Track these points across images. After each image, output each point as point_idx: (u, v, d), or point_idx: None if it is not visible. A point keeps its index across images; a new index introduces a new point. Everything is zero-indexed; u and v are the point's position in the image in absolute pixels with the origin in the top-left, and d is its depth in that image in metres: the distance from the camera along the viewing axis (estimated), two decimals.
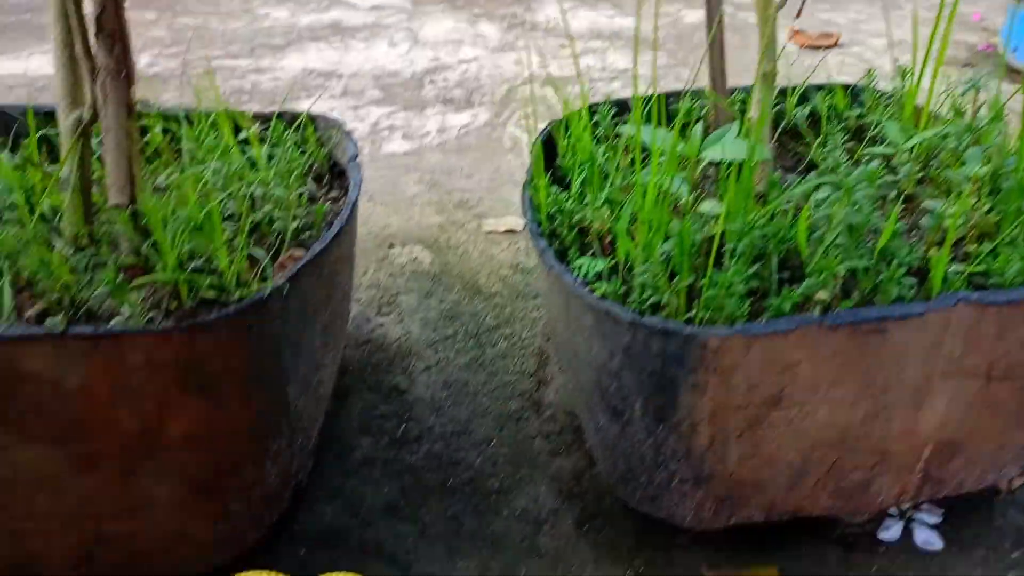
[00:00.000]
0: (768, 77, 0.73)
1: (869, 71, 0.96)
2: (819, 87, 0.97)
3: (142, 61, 1.87)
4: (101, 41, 0.63)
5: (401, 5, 2.39)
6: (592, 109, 0.91)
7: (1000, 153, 0.69)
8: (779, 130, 0.94)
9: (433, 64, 1.89)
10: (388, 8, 2.36)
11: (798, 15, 0.81)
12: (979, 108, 0.83)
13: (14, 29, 2.11)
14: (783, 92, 0.97)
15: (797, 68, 1.83)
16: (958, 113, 0.86)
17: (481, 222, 1.22)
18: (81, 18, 0.62)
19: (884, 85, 0.96)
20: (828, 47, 2.00)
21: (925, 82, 0.83)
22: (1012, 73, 1.80)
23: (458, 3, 2.41)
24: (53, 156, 0.83)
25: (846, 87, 0.97)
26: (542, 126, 0.87)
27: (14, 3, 2.28)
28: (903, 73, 0.89)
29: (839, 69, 1.83)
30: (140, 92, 1.82)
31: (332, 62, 1.90)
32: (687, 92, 0.93)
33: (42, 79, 1.79)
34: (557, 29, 2.15)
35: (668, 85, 1.74)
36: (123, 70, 0.63)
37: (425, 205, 1.26)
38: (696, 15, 2.17)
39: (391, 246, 1.17)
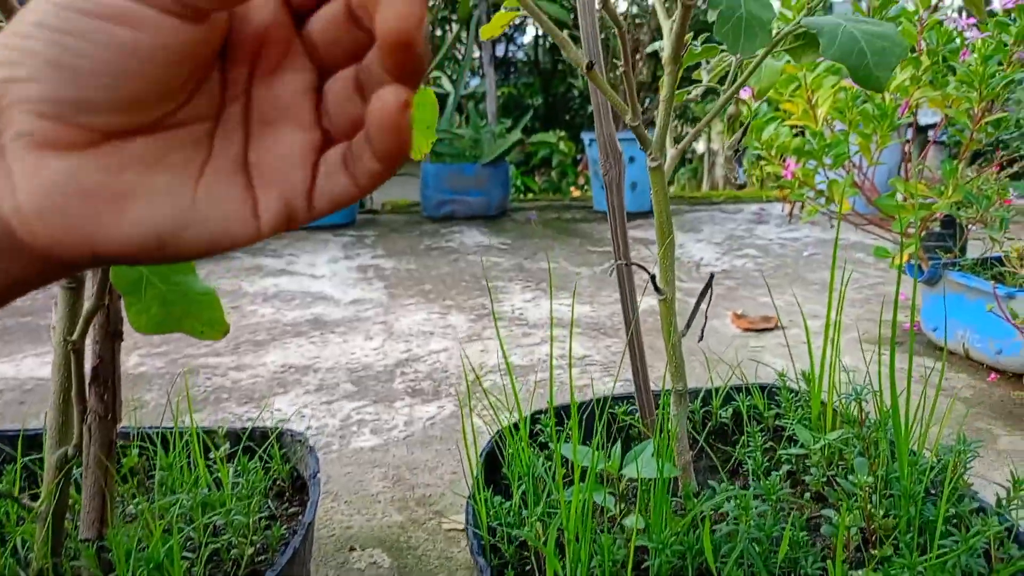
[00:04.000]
0: (681, 396, 0.83)
1: (781, 373, 1.08)
2: (738, 388, 1.09)
3: (130, 361, 1.99)
4: (94, 389, 0.73)
5: (379, 299, 2.61)
6: (536, 417, 1.00)
7: (885, 460, 0.78)
8: (706, 431, 1.04)
9: (405, 356, 2.04)
10: (367, 302, 2.57)
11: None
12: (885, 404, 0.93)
13: (11, 332, 2.26)
14: (711, 392, 1.08)
15: (740, 351, 1.99)
16: (860, 410, 0.96)
17: (441, 519, 1.26)
18: (81, 370, 0.73)
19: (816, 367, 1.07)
20: (768, 330, 2.19)
21: (856, 353, 0.94)
22: (939, 351, 1.97)
23: (431, 296, 2.64)
24: (34, 480, 0.89)
25: (763, 388, 1.08)
26: (503, 416, 0.96)
27: (16, 306, 2.46)
28: (807, 378, 1.01)
29: (776, 351, 1.99)
30: (126, 392, 1.91)
31: (310, 357, 2.04)
32: (609, 397, 1.04)
33: (31, 381, 1.90)
34: (521, 319, 2.35)
35: (623, 373, 1.87)
36: (110, 413, 0.73)
37: (388, 503, 1.31)
38: (648, 302, 2.38)
39: (351, 549, 1.19)
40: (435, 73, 4.82)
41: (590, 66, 0.71)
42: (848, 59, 0.62)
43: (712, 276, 0.78)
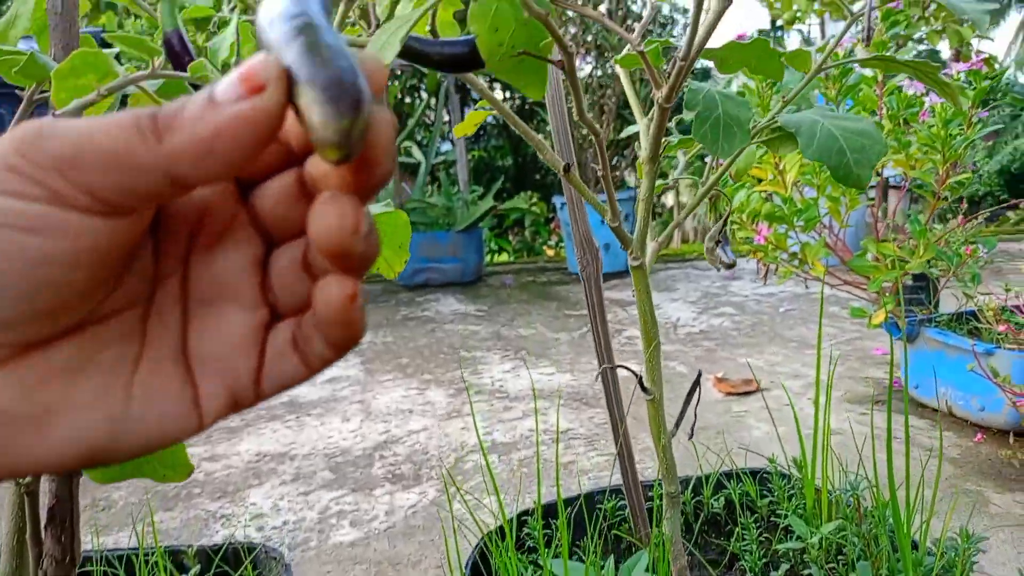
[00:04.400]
0: (674, 499, 0.80)
1: (771, 458, 1.06)
2: (729, 475, 1.06)
3: None
4: (51, 531, 0.68)
5: (355, 376, 2.56)
6: (522, 519, 0.96)
7: (887, 555, 0.75)
8: (699, 522, 1.00)
9: (384, 438, 1.98)
10: (343, 380, 2.52)
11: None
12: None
13: None
14: (701, 480, 1.05)
15: (723, 417, 1.97)
16: (858, 504, 0.93)
17: None
18: (36, 511, 0.68)
19: (804, 429, 1.04)
20: (749, 393, 2.17)
21: (841, 414, 0.91)
22: (921, 408, 1.96)
23: (408, 370, 2.59)
24: None
25: (754, 473, 1.05)
26: (486, 501, 0.92)
27: None
28: (799, 465, 0.98)
29: (760, 415, 1.97)
30: (94, 492, 1.82)
31: (286, 443, 1.98)
32: (606, 490, 1.00)
33: None
34: (501, 391, 2.31)
35: (606, 445, 1.84)
36: (68, 555, 0.68)
37: None
38: (633, 366, 2.36)
39: None
40: (406, 143, 4.86)
41: (567, 168, 0.70)
42: (828, 158, 0.61)
43: (700, 374, 0.76)
